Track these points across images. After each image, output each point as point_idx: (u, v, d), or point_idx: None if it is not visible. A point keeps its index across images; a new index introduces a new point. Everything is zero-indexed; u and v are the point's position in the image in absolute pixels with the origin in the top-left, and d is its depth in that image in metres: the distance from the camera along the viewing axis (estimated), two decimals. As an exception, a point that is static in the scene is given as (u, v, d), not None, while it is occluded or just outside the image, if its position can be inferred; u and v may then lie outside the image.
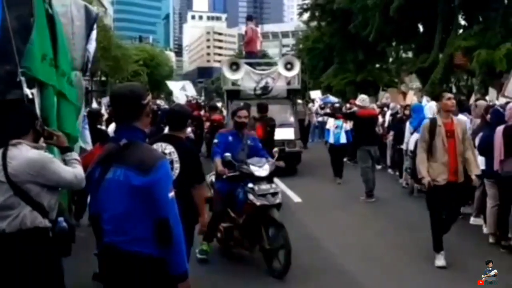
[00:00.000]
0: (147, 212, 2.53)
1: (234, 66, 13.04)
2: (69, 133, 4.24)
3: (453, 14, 19.06)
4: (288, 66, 12.82)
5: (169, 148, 4.30)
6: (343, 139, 11.38)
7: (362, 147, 9.69)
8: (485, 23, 17.70)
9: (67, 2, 5.99)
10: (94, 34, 6.26)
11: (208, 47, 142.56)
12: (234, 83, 13.37)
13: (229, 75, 12.98)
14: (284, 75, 12.83)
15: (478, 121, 7.51)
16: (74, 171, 3.21)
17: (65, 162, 3.29)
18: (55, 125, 3.89)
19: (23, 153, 3.08)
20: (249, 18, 15.60)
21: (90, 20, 6.02)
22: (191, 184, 4.31)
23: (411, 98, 13.36)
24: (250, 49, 14.71)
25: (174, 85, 21.06)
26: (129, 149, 2.58)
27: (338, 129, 11.43)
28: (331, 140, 11.55)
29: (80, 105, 5.48)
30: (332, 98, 21.45)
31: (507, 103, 6.80)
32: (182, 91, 18.59)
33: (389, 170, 12.34)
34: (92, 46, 6.27)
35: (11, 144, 3.10)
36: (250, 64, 13.33)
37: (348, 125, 11.48)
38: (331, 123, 11.59)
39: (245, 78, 12.89)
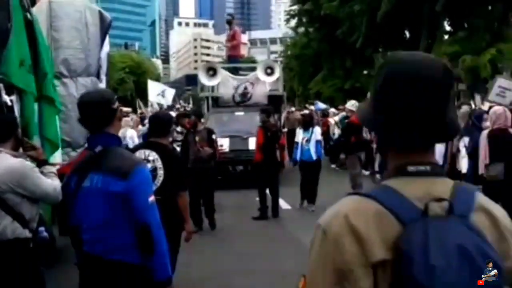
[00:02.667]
0: (127, 219, 2.49)
1: (211, 71, 12.14)
2: (51, 139, 4.18)
3: (438, 19, 19.29)
4: (268, 70, 12.00)
5: (152, 155, 4.25)
6: (314, 155, 9.17)
7: (352, 153, 9.73)
8: (470, 28, 17.95)
9: (81, 8, 6.03)
10: (107, 39, 6.28)
11: (196, 54, 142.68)
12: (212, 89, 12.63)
13: (205, 81, 12.11)
14: (263, 80, 11.95)
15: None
16: (53, 183, 3.15)
17: (43, 175, 3.23)
18: (36, 133, 3.84)
19: (3, 161, 3.02)
20: (231, 20, 14.32)
21: (104, 25, 6.07)
22: (176, 191, 4.26)
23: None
24: (236, 53, 13.80)
25: (154, 87, 18.43)
26: (105, 156, 2.53)
27: (307, 143, 9.21)
28: (299, 156, 9.27)
29: None
30: (321, 105, 21.52)
31: (490, 108, 6.88)
32: (159, 97, 16.83)
33: (377, 176, 12.36)
34: (104, 51, 6.29)
35: None
36: (234, 69, 12.77)
37: (319, 135, 9.47)
38: (300, 135, 9.38)
39: (223, 84, 12.09)
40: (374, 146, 12.10)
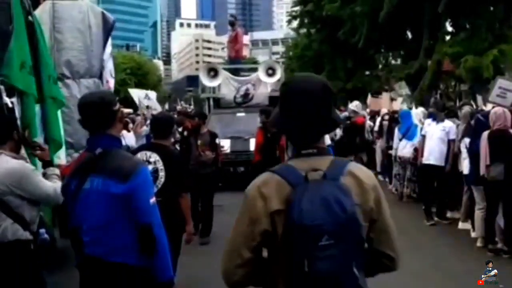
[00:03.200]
0: (128, 220, 2.48)
1: (212, 72, 12.07)
2: (55, 139, 4.20)
3: (440, 20, 19.23)
4: (270, 71, 11.85)
5: (154, 157, 4.25)
6: None
7: (355, 154, 9.77)
8: (472, 29, 17.90)
9: (84, 8, 6.03)
10: (110, 41, 6.27)
11: (197, 55, 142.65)
12: (213, 90, 12.50)
13: (206, 82, 12.03)
14: (264, 81, 11.80)
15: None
16: (53, 186, 3.15)
17: (46, 177, 3.23)
18: (37, 134, 3.85)
19: (3, 163, 3.02)
20: (233, 21, 14.29)
21: (107, 27, 6.06)
22: (177, 193, 4.26)
23: (399, 105, 13.44)
24: (238, 54, 13.71)
25: (136, 92, 17.44)
26: (105, 158, 2.53)
27: None
28: None
29: None
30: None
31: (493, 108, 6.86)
32: (145, 100, 16.22)
33: (379, 176, 12.34)
34: (107, 53, 6.27)
35: None
36: (235, 70, 12.62)
37: (328, 139, 8.67)
38: None
39: (224, 85, 12.00)
40: (377, 146, 12.15)
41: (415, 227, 6.17)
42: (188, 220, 4.37)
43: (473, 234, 6.88)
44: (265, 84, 11.81)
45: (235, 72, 12.64)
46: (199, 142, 7.29)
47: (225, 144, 10.18)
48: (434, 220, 7.86)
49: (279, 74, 11.85)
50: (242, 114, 11.35)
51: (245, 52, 14.81)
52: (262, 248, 1.76)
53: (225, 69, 12.66)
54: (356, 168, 1.78)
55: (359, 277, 1.65)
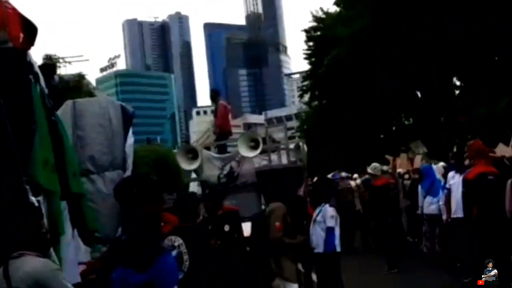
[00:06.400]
0: None
1: (190, 154, 10.44)
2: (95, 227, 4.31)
3: (448, 77, 19.61)
4: (252, 144, 10.12)
5: (177, 241, 4.25)
6: (321, 245, 6.62)
7: (379, 217, 9.62)
8: (479, 82, 18.12)
9: (103, 104, 6.23)
10: (131, 131, 6.31)
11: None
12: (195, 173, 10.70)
13: (184, 165, 10.25)
14: (246, 155, 10.05)
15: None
16: None
17: None
18: (64, 232, 3.87)
19: (26, 263, 3.00)
20: (214, 95, 12.34)
21: (127, 118, 6.13)
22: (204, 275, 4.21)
23: (419, 162, 13.35)
24: (223, 130, 11.88)
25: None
26: (128, 246, 2.59)
27: (315, 225, 6.80)
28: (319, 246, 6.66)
29: None
30: (342, 173, 21.46)
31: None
32: None
33: (408, 238, 12.05)
34: (129, 144, 6.41)
35: (13, 256, 3.03)
36: (224, 147, 11.29)
37: (331, 220, 6.71)
38: (328, 213, 6.74)
39: (207, 166, 10.35)
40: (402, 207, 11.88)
41: (450, 285, 5.98)
42: None
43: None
44: (250, 159, 10.20)
45: (223, 150, 11.27)
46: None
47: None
48: (471, 276, 7.56)
49: (261, 146, 10.09)
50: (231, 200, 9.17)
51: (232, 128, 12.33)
52: None
53: (207, 148, 11.39)
54: None
55: None
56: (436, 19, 17.85)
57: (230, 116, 11.92)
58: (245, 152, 9.97)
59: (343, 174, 16.17)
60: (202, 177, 10.50)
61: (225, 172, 10.10)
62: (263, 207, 8.39)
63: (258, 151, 9.98)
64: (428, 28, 18.19)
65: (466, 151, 6.68)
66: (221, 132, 11.68)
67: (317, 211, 6.79)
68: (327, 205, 6.78)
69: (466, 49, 17.29)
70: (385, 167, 12.42)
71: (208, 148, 11.18)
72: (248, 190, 8.67)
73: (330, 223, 6.54)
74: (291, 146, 11.29)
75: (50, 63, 15.98)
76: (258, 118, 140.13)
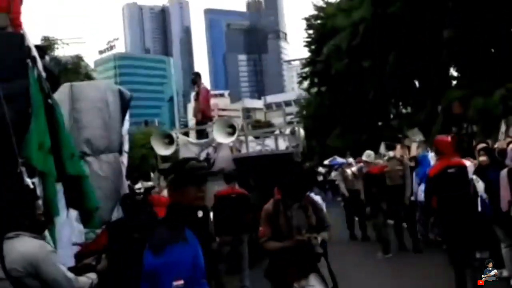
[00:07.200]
0: None
1: (166, 139, 10.03)
2: (95, 206, 4.39)
3: (445, 67, 19.69)
4: (228, 129, 9.64)
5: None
6: None
7: (373, 204, 9.72)
8: (477, 73, 18.21)
9: (101, 87, 6.24)
10: (127, 115, 6.33)
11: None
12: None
13: (160, 151, 9.94)
14: (221, 141, 9.64)
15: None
16: (67, 275, 3.13)
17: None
18: (57, 213, 3.91)
19: (21, 245, 3.04)
20: (195, 79, 11.61)
21: (124, 102, 6.13)
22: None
23: (415, 150, 13.42)
24: (206, 114, 11.35)
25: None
26: (171, 225, 2.75)
27: None
28: None
29: (121, 184, 5.71)
30: (340, 160, 21.54)
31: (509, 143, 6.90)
32: None
33: (404, 224, 12.14)
34: (126, 127, 6.42)
35: (7, 237, 3.07)
36: (203, 132, 10.75)
37: None
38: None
39: (183, 152, 9.99)
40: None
41: (443, 272, 6.11)
42: None
43: (504, 273, 6.68)
44: (226, 145, 9.76)
45: (202, 135, 10.75)
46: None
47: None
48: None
49: (237, 132, 9.68)
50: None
51: (214, 113, 10.75)
52: None
53: (184, 133, 10.93)
54: None
55: None
56: (435, 14, 17.90)
57: (209, 100, 11.44)
58: (220, 138, 9.49)
59: (350, 160, 15.69)
60: None
61: (201, 158, 9.54)
62: None
63: (234, 137, 9.57)
64: (427, 22, 18.23)
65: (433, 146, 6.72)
66: (203, 117, 11.19)
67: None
68: (312, 194, 6.44)
69: (463, 41, 17.34)
70: (391, 153, 12.22)
71: (187, 134, 10.73)
72: (220, 178, 8.21)
73: None
74: (287, 131, 11.13)
75: (40, 45, 15.89)
76: (257, 103, 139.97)
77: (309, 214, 4.48)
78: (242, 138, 10.41)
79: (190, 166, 2.78)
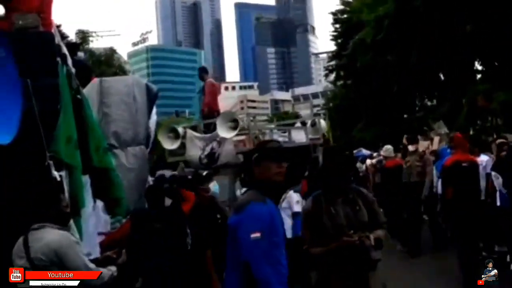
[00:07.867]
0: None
1: (172, 133, 9.85)
2: (121, 195, 4.61)
3: (470, 61, 19.41)
4: (231, 124, 9.38)
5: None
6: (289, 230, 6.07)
7: (389, 198, 9.79)
8: (501, 66, 17.91)
9: (129, 82, 6.48)
10: (155, 109, 6.55)
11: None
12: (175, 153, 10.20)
13: (166, 145, 9.83)
14: (223, 136, 9.28)
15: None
16: (88, 265, 3.26)
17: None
18: (84, 205, 4.07)
19: (45, 236, 3.18)
20: (202, 74, 11.80)
21: (151, 96, 6.33)
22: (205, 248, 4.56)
23: (437, 144, 13.26)
24: (212, 108, 11.20)
25: None
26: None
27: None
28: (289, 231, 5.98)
29: (146, 176, 5.94)
30: (365, 152, 21.42)
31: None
32: None
33: (424, 216, 12.07)
34: (152, 121, 6.59)
35: (33, 228, 3.23)
36: (209, 126, 10.47)
37: (295, 205, 6.47)
38: (293, 198, 6.49)
39: (189, 146, 9.77)
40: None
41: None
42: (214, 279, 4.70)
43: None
44: (230, 139, 9.42)
45: (213, 128, 10.37)
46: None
47: None
48: (482, 255, 7.73)
49: (240, 126, 9.32)
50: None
51: (220, 106, 10.27)
52: None
53: (191, 127, 10.75)
54: None
55: None
56: (458, 9, 17.64)
57: (218, 95, 11.29)
58: (223, 132, 9.18)
59: (366, 152, 15.67)
60: (185, 157, 9.93)
61: (206, 152, 9.42)
62: (239, 192, 8.05)
63: (236, 131, 9.18)
64: (450, 17, 17.98)
65: (450, 141, 7.05)
66: (209, 111, 11.07)
67: (282, 197, 6.40)
68: (291, 191, 6.49)
69: (487, 35, 17.06)
70: (411, 147, 11.96)
71: (194, 128, 10.61)
72: (224, 173, 8.09)
73: (296, 208, 6.32)
74: (308, 123, 10.89)
75: (74, 42, 16.18)
76: (285, 95, 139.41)
77: (358, 208, 3.63)
78: (267, 131, 10.41)
79: (270, 146, 3.19)
